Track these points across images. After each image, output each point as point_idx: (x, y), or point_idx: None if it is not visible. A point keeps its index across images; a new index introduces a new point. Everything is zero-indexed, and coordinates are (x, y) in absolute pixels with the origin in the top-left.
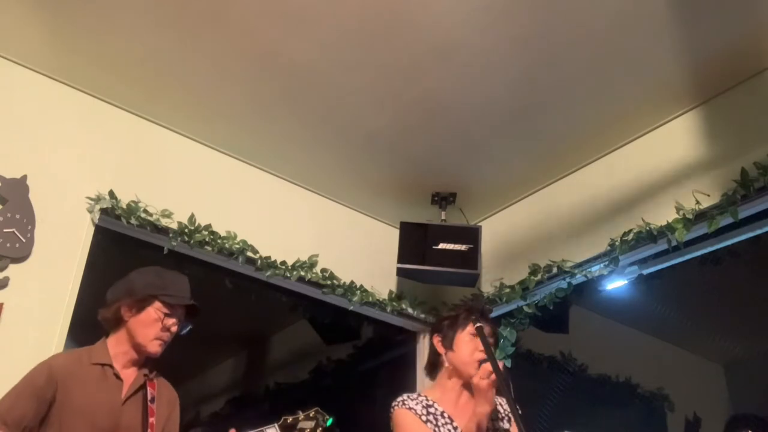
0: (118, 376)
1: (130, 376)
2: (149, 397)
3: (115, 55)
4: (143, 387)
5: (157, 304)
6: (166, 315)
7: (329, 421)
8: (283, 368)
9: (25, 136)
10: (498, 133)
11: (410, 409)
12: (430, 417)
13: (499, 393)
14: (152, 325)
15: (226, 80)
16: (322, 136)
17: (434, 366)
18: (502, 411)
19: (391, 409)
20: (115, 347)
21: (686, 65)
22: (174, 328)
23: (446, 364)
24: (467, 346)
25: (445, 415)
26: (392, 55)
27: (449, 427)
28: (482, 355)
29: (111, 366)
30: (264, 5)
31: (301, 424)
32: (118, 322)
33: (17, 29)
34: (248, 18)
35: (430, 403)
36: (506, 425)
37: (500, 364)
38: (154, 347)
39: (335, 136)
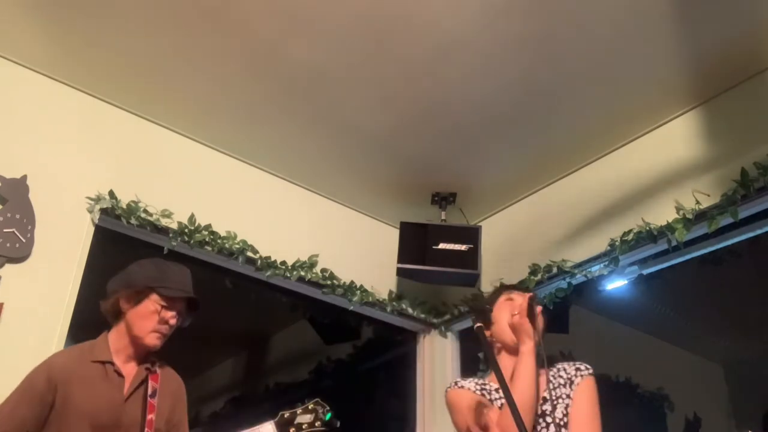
0: (119, 373)
1: (131, 371)
2: (150, 392)
3: (114, 55)
4: (145, 381)
5: (155, 297)
6: (163, 307)
7: (328, 415)
8: (283, 368)
9: (25, 136)
10: (498, 133)
11: (462, 387)
12: (484, 392)
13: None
14: (149, 318)
15: (226, 80)
16: (323, 136)
17: (488, 359)
18: (564, 376)
19: (445, 394)
20: (116, 342)
21: (686, 65)
22: (173, 321)
23: (497, 345)
24: (501, 312)
25: (499, 391)
26: (392, 55)
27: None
28: (515, 317)
29: (112, 363)
30: (264, 5)
31: (299, 419)
32: (117, 315)
33: (17, 29)
34: (248, 18)
35: (485, 382)
36: (567, 390)
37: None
38: (152, 340)
39: (335, 136)
